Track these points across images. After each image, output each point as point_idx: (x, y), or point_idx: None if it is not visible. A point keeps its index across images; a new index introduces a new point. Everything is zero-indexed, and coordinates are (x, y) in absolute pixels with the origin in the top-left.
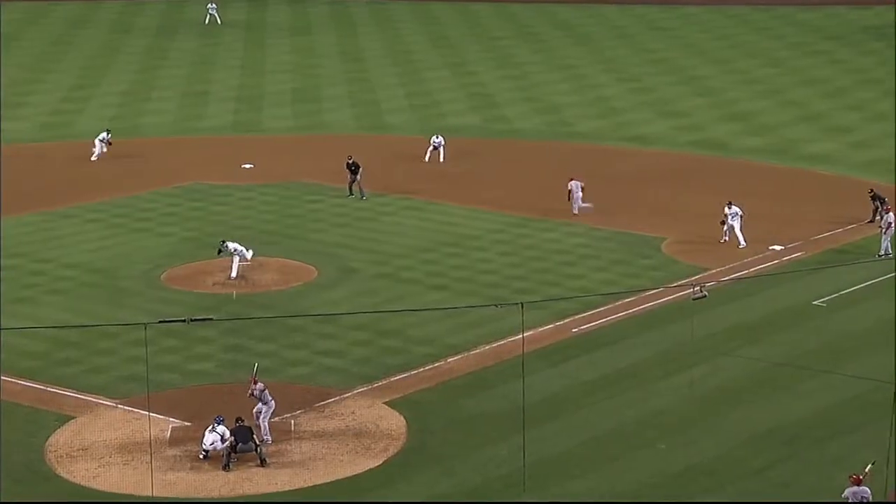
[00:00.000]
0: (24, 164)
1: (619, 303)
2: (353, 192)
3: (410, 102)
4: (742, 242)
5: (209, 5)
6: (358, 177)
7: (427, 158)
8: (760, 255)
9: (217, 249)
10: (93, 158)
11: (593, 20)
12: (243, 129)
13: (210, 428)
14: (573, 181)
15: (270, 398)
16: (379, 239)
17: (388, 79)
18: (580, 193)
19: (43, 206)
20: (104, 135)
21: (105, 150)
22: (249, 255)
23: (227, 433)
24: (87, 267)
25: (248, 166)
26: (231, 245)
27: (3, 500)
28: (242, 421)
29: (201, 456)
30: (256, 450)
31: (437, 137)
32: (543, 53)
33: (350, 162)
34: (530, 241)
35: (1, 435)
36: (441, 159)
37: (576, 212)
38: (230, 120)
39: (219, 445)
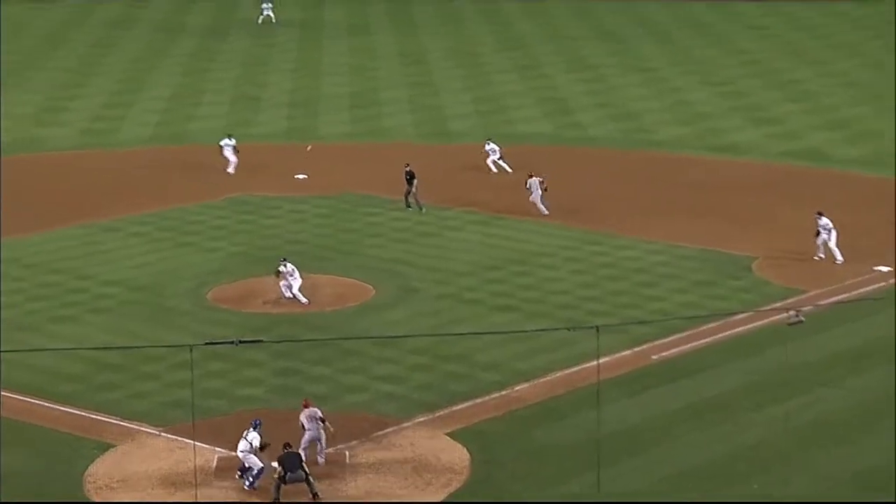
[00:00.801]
0: (65, 173)
1: (704, 328)
2: (411, 204)
3: (476, 108)
4: (838, 258)
5: (264, 4)
6: (413, 188)
7: (493, 169)
8: (864, 277)
9: (276, 270)
10: (230, 171)
11: (676, 17)
12: (297, 136)
13: (244, 433)
14: (532, 178)
15: (309, 428)
16: (441, 255)
17: (451, 82)
18: (539, 192)
19: (85, 218)
20: (228, 140)
21: (236, 158)
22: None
23: (258, 440)
24: (131, 284)
25: (301, 177)
26: (289, 267)
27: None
28: (290, 447)
29: (245, 483)
30: (307, 481)
31: (489, 144)
32: (621, 54)
33: (407, 170)
34: (605, 259)
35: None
36: (495, 169)
37: (545, 212)
38: (283, 126)
39: (250, 458)
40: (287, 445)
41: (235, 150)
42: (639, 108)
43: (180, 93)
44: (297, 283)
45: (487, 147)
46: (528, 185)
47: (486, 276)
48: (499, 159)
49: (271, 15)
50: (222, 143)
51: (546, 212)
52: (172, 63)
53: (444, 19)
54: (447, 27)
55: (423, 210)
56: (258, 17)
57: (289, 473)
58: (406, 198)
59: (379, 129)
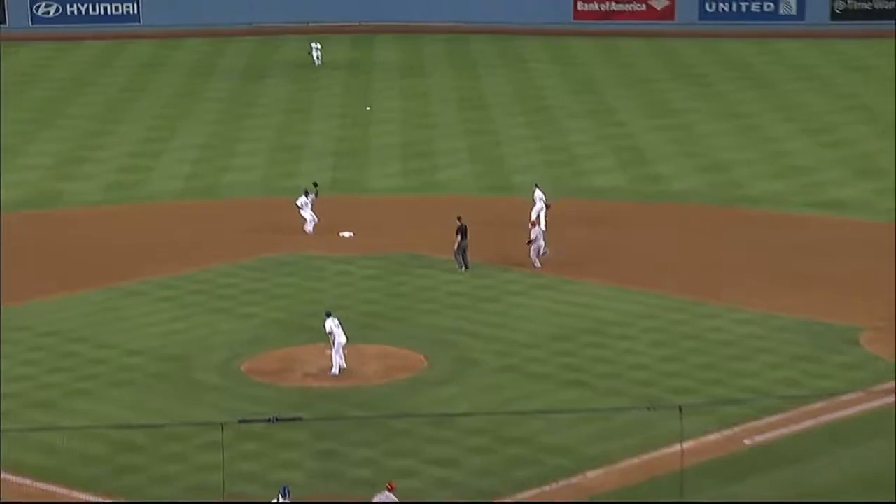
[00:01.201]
0: (88, 231)
1: (805, 409)
2: (460, 262)
3: (543, 158)
4: None
5: (313, 44)
6: (464, 244)
7: (541, 224)
8: None
9: (325, 328)
10: (308, 229)
11: (771, 57)
12: (343, 189)
13: None
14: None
15: None
16: (503, 324)
17: (516, 129)
18: (541, 242)
19: (108, 281)
20: (304, 198)
21: (316, 218)
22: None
23: None
24: (156, 354)
25: (347, 235)
26: (331, 322)
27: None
28: None
29: None
30: None
31: (538, 191)
32: (707, 98)
33: (460, 224)
34: (689, 330)
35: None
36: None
37: (537, 265)
38: (328, 178)
39: None
40: None
41: (313, 204)
42: (729, 159)
43: (214, 142)
44: (339, 339)
45: (538, 195)
46: (533, 237)
47: (553, 348)
48: (542, 210)
49: (319, 56)
50: (299, 202)
51: (538, 265)
52: (205, 109)
53: (507, 59)
54: (510, 68)
55: (465, 270)
56: (312, 58)
57: None
58: (456, 255)
59: (434, 182)
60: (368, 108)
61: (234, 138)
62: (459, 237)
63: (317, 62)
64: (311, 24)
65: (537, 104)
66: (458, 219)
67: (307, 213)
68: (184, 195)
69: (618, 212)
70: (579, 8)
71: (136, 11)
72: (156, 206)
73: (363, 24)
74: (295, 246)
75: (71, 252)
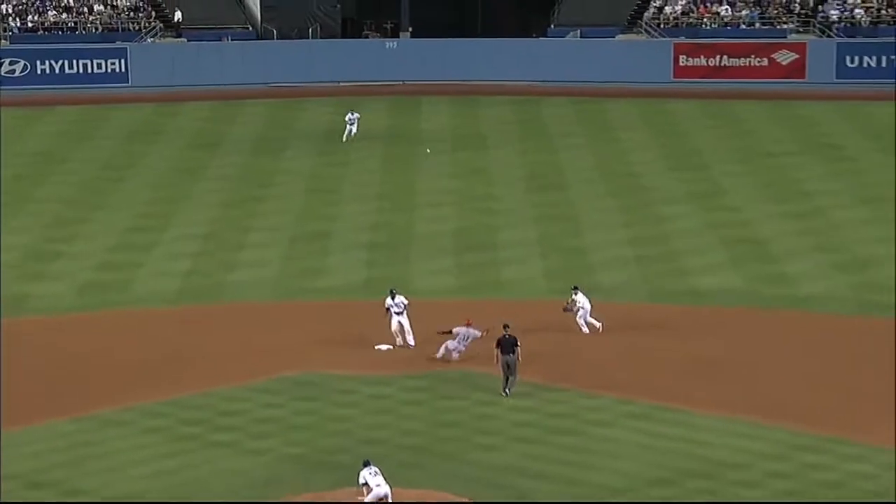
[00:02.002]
0: (58, 345)
1: None
2: (507, 389)
3: (635, 251)
4: None
5: (349, 115)
6: (518, 356)
7: (583, 328)
8: None
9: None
10: (410, 341)
11: None
12: (379, 290)
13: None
14: (468, 328)
15: None
16: (583, 463)
17: (600, 215)
18: (461, 347)
19: (81, 408)
20: (391, 300)
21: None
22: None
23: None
24: (141, 502)
25: (384, 348)
26: (368, 473)
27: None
28: None
29: None
30: None
31: (577, 294)
32: (848, 177)
33: (507, 335)
34: (828, 476)
35: None
36: (586, 329)
37: (597, 325)
38: (361, 277)
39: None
40: None
41: (405, 308)
42: (874, 255)
43: (218, 231)
44: (379, 490)
45: (579, 301)
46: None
47: (650, 494)
48: (580, 314)
49: (354, 130)
50: (389, 303)
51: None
52: (208, 189)
53: (590, 127)
54: (593, 138)
55: (507, 394)
56: (343, 133)
57: None
58: (505, 383)
59: (495, 282)
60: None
61: (244, 226)
62: (498, 351)
63: (346, 137)
64: (340, 85)
65: (627, 183)
66: (505, 327)
67: (402, 320)
68: (179, 298)
69: (729, 321)
70: (681, 63)
71: (123, 69)
72: (144, 313)
73: (407, 83)
74: (317, 362)
75: (36, 371)
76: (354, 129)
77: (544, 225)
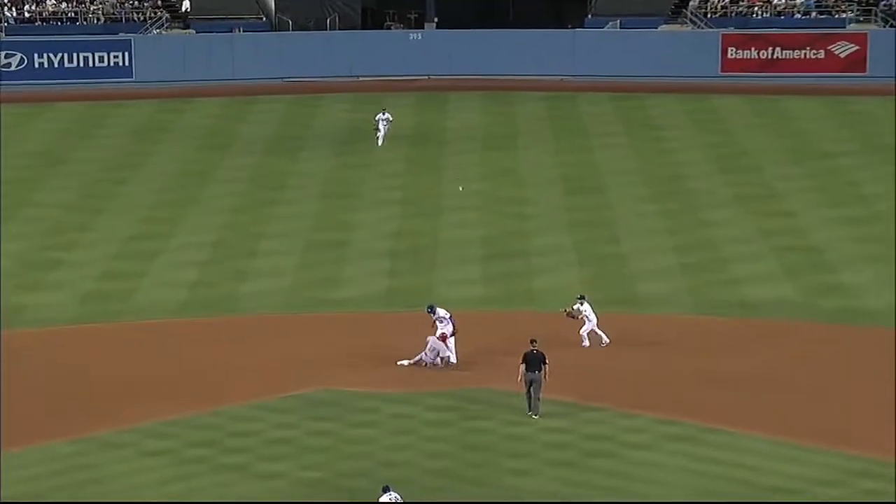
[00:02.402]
0: (55, 360)
1: None
2: (532, 406)
3: (680, 259)
4: None
5: (382, 115)
6: (543, 377)
7: (585, 341)
8: None
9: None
10: (452, 359)
11: None
12: (402, 301)
13: None
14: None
15: None
16: (623, 488)
17: (642, 220)
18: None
19: (79, 428)
20: (438, 311)
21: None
22: None
23: None
24: None
25: (406, 363)
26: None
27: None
28: None
29: None
30: None
31: (584, 304)
32: None
33: (534, 350)
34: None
35: None
36: (587, 341)
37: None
38: (382, 287)
39: None
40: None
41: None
42: None
43: (229, 238)
44: None
45: (581, 310)
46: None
47: None
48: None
49: (384, 134)
50: (434, 314)
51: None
52: (218, 193)
53: (630, 124)
54: (634, 136)
55: (534, 415)
56: (375, 137)
57: None
58: (528, 398)
59: (527, 292)
60: (462, 189)
61: (256, 233)
62: (523, 367)
63: (381, 141)
64: (360, 80)
65: (671, 186)
66: (532, 342)
67: (444, 327)
68: (186, 310)
69: (782, 335)
70: (730, 55)
71: (127, 63)
72: (148, 326)
73: (432, 78)
74: (334, 379)
75: (34, 388)
76: (384, 135)
77: (580, 231)
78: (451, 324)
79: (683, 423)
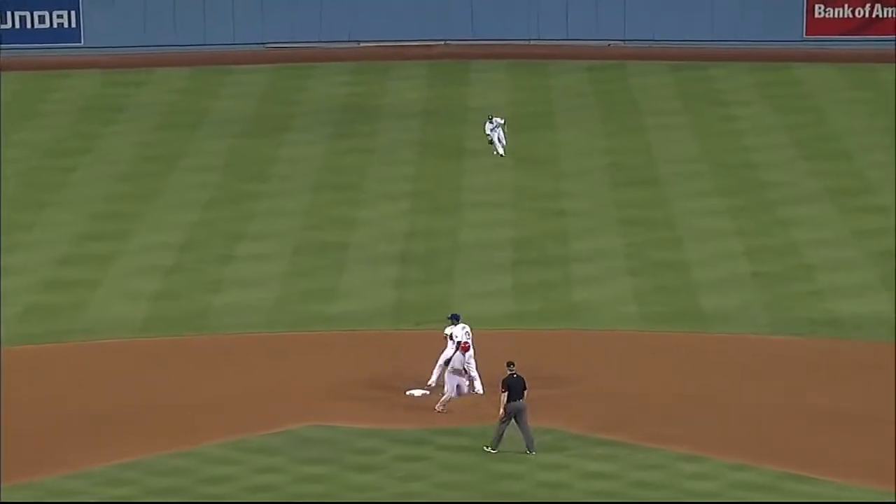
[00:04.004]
0: None
1: None
2: (499, 437)
3: (753, 267)
4: None
5: (488, 124)
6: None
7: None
8: None
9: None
10: (478, 388)
11: None
12: (410, 316)
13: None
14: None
15: None
16: None
17: (707, 219)
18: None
19: (20, 472)
20: (455, 328)
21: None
22: None
23: None
24: None
25: (417, 393)
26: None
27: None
28: None
29: None
30: None
31: (453, 323)
32: None
33: (512, 373)
34: None
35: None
36: None
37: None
38: (389, 300)
39: None
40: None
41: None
42: None
43: (200, 238)
44: None
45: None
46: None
47: None
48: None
49: (499, 142)
50: (448, 331)
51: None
52: (187, 184)
53: (693, 100)
54: (698, 115)
55: (530, 451)
56: (496, 146)
57: None
58: (500, 423)
59: (567, 307)
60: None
61: (233, 232)
62: (506, 395)
63: (500, 151)
64: (361, 45)
65: (743, 176)
66: (509, 365)
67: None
68: (147, 328)
69: (881, 360)
70: (816, 14)
71: (74, 24)
72: (101, 347)
73: (450, 44)
74: (329, 412)
75: None
76: (503, 138)
77: (632, 232)
78: (454, 345)
79: (760, 469)
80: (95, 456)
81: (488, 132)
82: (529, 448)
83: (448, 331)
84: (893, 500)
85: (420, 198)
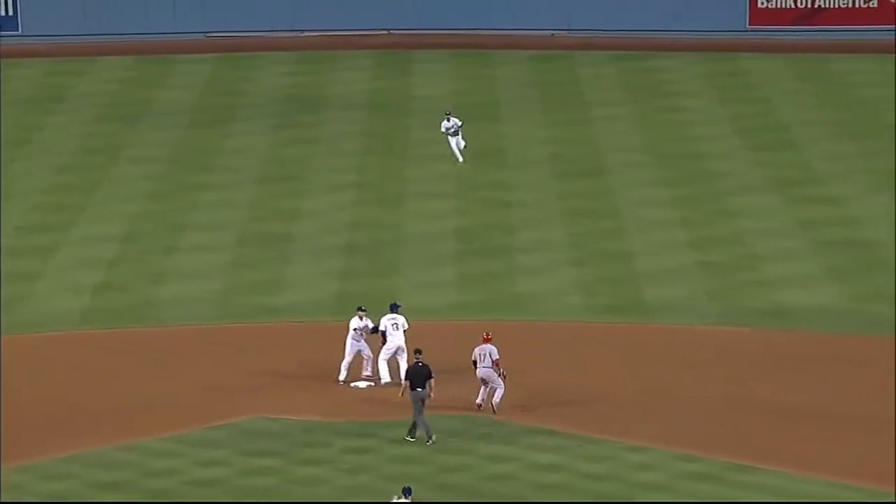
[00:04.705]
0: None
1: None
2: (416, 432)
3: (698, 257)
4: None
5: (446, 122)
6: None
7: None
8: None
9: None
10: (341, 378)
11: None
12: (352, 305)
13: None
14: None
15: None
16: None
17: (651, 209)
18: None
19: None
20: (361, 322)
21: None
22: None
23: None
24: None
25: (362, 385)
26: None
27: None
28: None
29: None
30: None
31: (361, 317)
32: None
33: (418, 363)
34: None
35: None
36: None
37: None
38: (333, 291)
39: None
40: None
41: (380, 331)
42: None
43: (143, 230)
44: None
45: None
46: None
47: None
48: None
49: (457, 149)
50: (385, 323)
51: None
52: (129, 174)
53: (638, 91)
54: (641, 105)
55: (426, 438)
56: (451, 145)
57: None
58: (412, 425)
59: (512, 298)
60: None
61: (177, 224)
62: (408, 383)
63: (460, 157)
64: (305, 35)
65: (688, 167)
66: (416, 353)
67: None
68: (89, 320)
69: (826, 350)
70: (760, 4)
71: (11, 12)
72: (42, 339)
73: (394, 33)
74: (274, 404)
75: None
76: (461, 141)
77: (577, 222)
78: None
79: (704, 460)
80: (38, 450)
81: (443, 130)
82: (426, 436)
83: (384, 322)
84: (841, 487)
85: (365, 189)
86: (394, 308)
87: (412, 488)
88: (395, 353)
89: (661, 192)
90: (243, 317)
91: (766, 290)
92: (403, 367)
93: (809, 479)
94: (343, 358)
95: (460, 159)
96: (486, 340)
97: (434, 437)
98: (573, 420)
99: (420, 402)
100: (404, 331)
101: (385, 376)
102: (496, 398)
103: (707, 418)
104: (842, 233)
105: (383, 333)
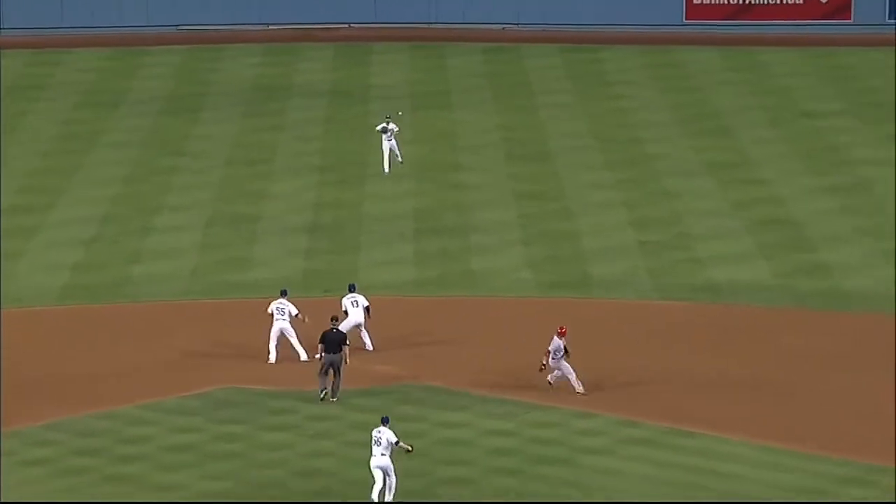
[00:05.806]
0: None
1: None
2: (326, 394)
3: (639, 236)
4: None
5: (385, 124)
6: (345, 358)
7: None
8: None
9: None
10: (271, 360)
11: None
12: (321, 286)
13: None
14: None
15: None
16: (577, 499)
17: (596, 192)
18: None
19: None
20: (282, 307)
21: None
22: None
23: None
24: None
25: (304, 358)
26: None
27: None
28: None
29: None
30: None
31: (354, 298)
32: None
33: (334, 329)
34: None
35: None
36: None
37: (580, 389)
38: (298, 268)
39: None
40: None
41: (292, 314)
42: None
43: (118, 212)
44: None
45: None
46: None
47: None
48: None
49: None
50: (274, 307)
51: (581, 389)
52: (106, 159)
53: (583, 81)
54: (586, 95)
55: (331, 398)
56: (384, 159)
57: None
58: (319, 374)
59: (465, 275)
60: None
61: (150, 206)
62: (321, 347)
63: (387, 167)
64: (270, 28)
65: (630, 152)
66: (333, 320)
67: (283, 325)
68: (68, 296)
69: (756, 323)
70: (695, 1)
71: None
72: (24, 314)
73: (354, 27)
74: (243, 375)
75: None
76: (396, 150)
77: (526, 203)
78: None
79: (645, 425)
80: (18, 417)
81: (378, 129)
82: (333, 396)
83: (344, 302)
84: (771, 451)
85: (327, 172)
86: (352, 288)
87: (389, 418)
88: (356, 328)
89: (604, 175)
90: (214, 293)
91: (701, 267)
92: (368, 342)
93: (741, 443)
94: (269, 341)
95: (387, 170)
96: (561, 334)
97: (339, 397)
98: (522, 388)
99: (330, 366)
100: (366, 308)
101: (303, 356)
102: (576, 385)
103: (646, 388)
104: (770, 212)
105: (345, 312)
